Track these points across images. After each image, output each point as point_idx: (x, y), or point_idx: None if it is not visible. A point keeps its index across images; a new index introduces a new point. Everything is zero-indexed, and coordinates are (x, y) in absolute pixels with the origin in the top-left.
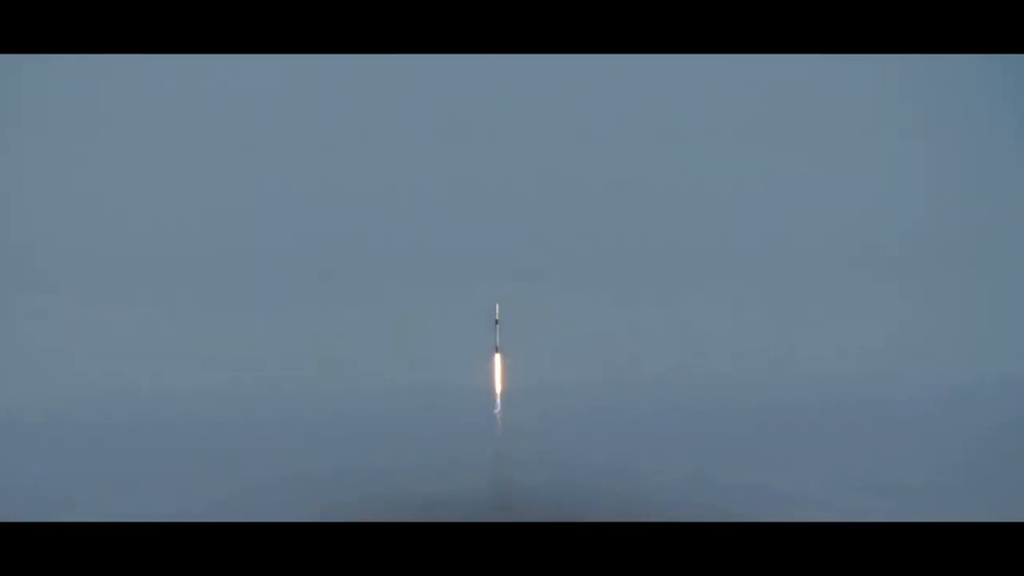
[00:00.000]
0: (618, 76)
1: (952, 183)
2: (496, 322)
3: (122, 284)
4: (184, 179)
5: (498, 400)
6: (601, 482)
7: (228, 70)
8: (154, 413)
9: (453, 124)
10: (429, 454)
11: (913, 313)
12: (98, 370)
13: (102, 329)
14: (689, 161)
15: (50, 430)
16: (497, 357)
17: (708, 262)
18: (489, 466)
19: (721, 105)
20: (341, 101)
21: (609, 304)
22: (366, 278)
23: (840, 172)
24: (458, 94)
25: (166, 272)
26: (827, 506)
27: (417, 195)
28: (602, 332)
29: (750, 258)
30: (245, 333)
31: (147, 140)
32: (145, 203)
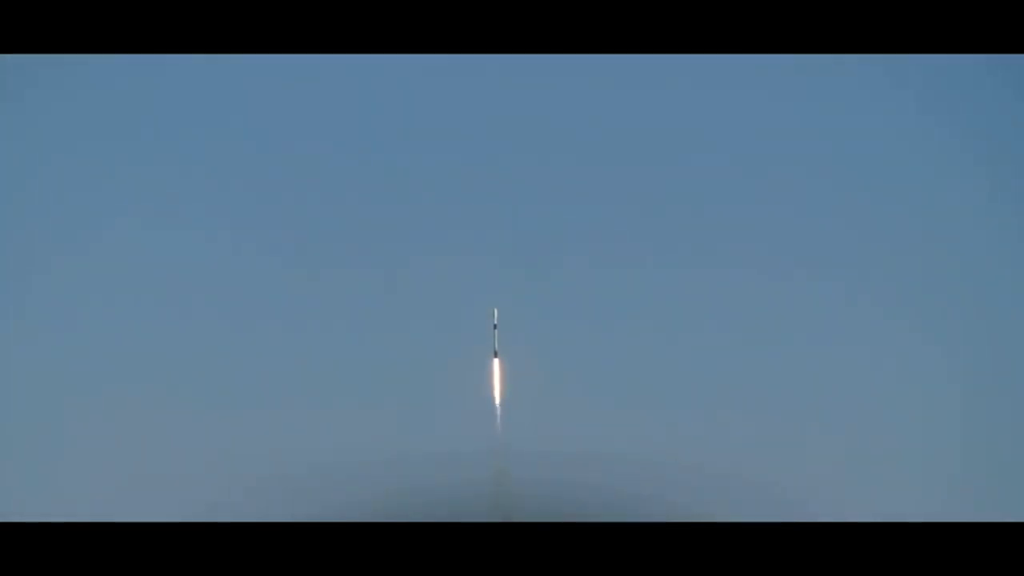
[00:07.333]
0: (621, 76)
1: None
2: (495, 327)
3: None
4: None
5: (497, 408)
6: (602, 483)
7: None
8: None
9: (453, 125)
10: (428, 454)
11: None
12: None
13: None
14: (693, 163)
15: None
16: (496, 362)
17: (710, 265)
18: (489, 466)
19: (733, 115)
20: (333, 101)
21: (611, 304)
22: (358, 279)
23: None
24: (455, 95)
25: (160, 261)
26: None
27: (414, 195)
28: (603, 332)
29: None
30: (230, 327)
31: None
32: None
